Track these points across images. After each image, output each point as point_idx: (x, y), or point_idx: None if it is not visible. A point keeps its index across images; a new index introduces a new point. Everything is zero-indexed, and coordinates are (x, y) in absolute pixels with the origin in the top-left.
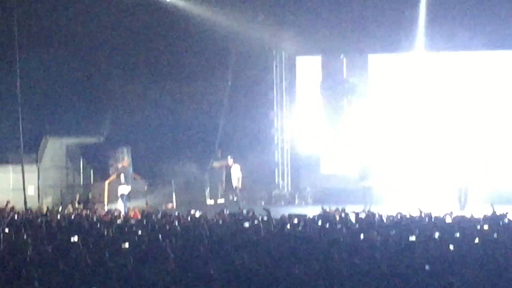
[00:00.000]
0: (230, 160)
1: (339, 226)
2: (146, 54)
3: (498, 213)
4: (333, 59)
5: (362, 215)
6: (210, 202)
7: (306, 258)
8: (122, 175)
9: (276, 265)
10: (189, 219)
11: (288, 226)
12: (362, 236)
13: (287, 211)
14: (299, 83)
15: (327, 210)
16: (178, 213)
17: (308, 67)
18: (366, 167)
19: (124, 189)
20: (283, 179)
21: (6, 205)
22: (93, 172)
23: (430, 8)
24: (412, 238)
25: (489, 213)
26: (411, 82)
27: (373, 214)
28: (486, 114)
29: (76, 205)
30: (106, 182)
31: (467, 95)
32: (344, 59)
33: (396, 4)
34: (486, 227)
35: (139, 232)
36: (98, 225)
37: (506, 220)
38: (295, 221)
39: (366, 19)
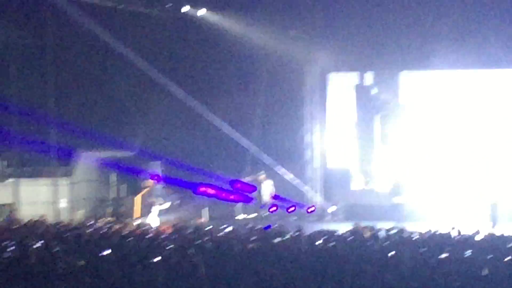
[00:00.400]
0: (262, 176)
1: (369, 242)
2: (178, 68)
3: None
4: (365, 75)
5: (393, 232)
6: (241, 217)
7: (337, 274)
8: (154, 191)
9: (306, 281)
10: (221, 233)
11: (319, 242)
12: (392, 253)
13: (318, 227)
14: (331, 99)
15: (358, 226)
16: (210, 228)
17: (340, 83)
18: (398, 183)
19: (162, 205)
20: (314, 195)
21: (42, 218)
22: (125, 186)
23: (460, 25)
24: (443, 255)
25: None
26: (442, 99)
27: (404, 231)
28: None
29: (108, 219)
30: (138, 196)
31: (498, 112)
32: (375, 76)
33: (427, 21)
34: None
35: (170, 246)
36: (129, 239)
37: None
38: (326, 237)
39: (398, 36)
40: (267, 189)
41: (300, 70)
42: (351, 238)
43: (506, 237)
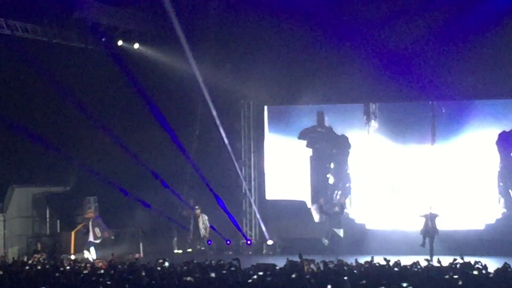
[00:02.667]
0: (197, 210)
1: (307, 276)
2: (113, 102)
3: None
4: (304, 108)
5: (331, 265)
6: (177, 251)
7: None
8: (90, 225)
9: None
10: (158, 268)
11: (255, 277)
12: (330, 286)
13: (254, 261)
14: (267, 132)
15: (296, 260)
16: (145, 263)
17: (276, 116)
18: (336, 215)
19: (94, 238)
20: (250, 229)
21: None
22: (60, 221)
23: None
24: None
25: (456, 262)
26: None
27: (342, 264)
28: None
29: (40, 255)
30: (73, 232)
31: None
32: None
33: (364, 54)
34: (454, 276)
35: (107, 282)
36: (65, 275)
37: (474, 271)
38: (263, 271)
39: (334, 69)
40: (202, 223)
41: (236, 103)
42: (289, 272)
43: (444, 267)
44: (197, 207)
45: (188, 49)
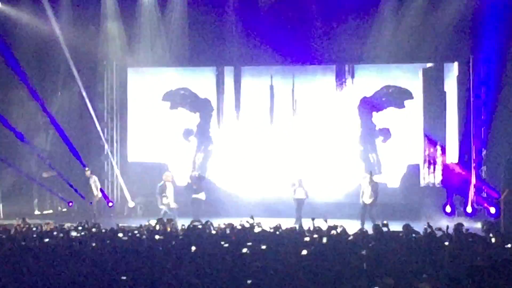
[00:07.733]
0: (87, 172)
1: (170, 238)
2: None
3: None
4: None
5: (196, 227)
6: (37, 212)
7: (130, 269)
8: None
9: (102, 276)
10: (23, 229)
11: (118, 237)
12: (192, 248)
13: (116, 223)
14: (130, 94)
15: (155, 221)
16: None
17: (139, 78)
18: (197, 177)
19: None
20: (112, 191)
21: None
22: None
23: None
24: (244, 250)
25: (320, 225)
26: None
27: (207, 226)
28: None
29: None
30: None
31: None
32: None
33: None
34: (315, 238)
35: None
36: None
37: (335, 232)
38: (126, 234)
39: (197, 32)
40: (94, 184)
41: (99, 65)
42: (149, 233)
43: (306, 230)
44: (87, 168)
45: (50, 9)
